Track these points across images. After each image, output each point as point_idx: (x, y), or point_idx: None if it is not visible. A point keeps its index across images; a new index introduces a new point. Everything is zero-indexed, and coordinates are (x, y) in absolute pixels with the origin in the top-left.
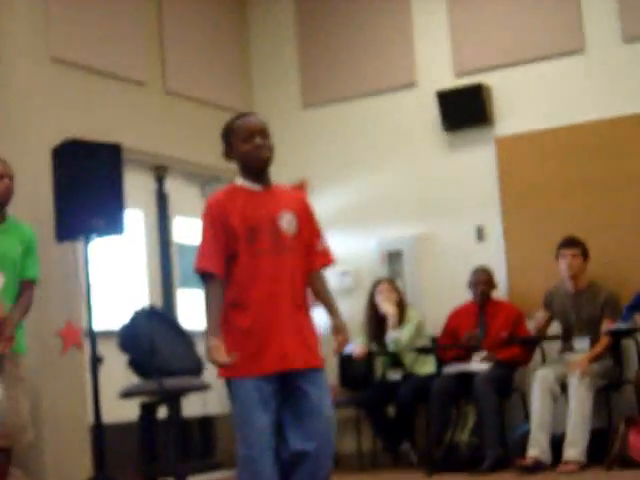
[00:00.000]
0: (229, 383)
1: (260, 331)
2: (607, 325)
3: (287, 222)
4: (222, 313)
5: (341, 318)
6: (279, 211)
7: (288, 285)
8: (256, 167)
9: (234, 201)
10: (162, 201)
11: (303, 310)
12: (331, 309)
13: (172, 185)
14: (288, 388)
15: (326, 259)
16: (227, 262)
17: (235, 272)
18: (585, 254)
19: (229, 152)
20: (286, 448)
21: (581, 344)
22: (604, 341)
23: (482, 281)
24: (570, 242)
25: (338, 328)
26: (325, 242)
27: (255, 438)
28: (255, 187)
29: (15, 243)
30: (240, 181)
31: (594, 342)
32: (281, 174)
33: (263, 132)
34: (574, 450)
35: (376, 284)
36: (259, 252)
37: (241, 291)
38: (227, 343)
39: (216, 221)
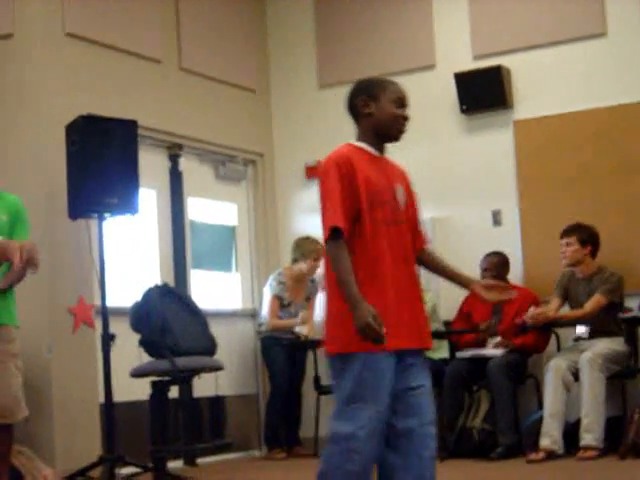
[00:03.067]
0: (341, 357)
1: (389, 305)
2: (595, 299)
3: (401, 194)
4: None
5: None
6: (396, 182)
7: (407, 257)
8: (392, 135)
9: (360, 161)
10: (176, 180)
11: (418, 286)
12: (460, 274)
13: (186, 164)
14: (400, 364)
15: (426, 240)
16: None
17: (357, 240)
18: (584, 240)
19: (364, 107)
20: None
21: (580, 330)
22: (587, 308)
23: (493, 266)
24: (565, 230)
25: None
26: (421, 223)
27: (368, 419)
28: (376, 153)
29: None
30: (360, 143)
31: (595, 332)
32: (297, 155)
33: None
34: (591, 436)
35: None
36: (380, 220)
37: (367, 261)
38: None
39: (344, 177)
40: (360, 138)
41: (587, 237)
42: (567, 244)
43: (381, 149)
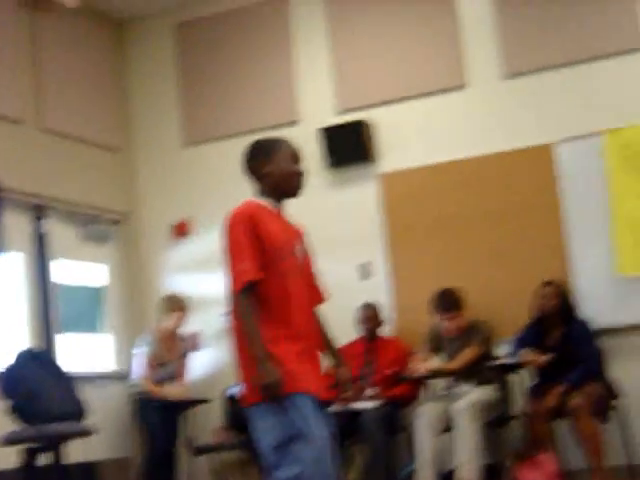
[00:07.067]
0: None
1: (300, 355)
2: (471, 350)
3: (298, 250)
4: (265, 333)
5: (344, 364)
6: (294, 238)
7: (310, 309)
8: (289, 191)
9: (263, 216)
10: (41, 242)
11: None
12: (332, 351)
13: (50, 226)
14: None
15: (324, 295)
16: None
17: (266, 291)
18: (460, 306)
19: (261, 166)
20: None
21: (466, 387)
22: (463, 360)
23: (369, 317)
24: (444, 306)
25: (342, 376)
26: (320, 278)
27: (320, 445)
28: (275, 210)
29: None
30: (261, 200)
31: (480, 383)
32: (162, 214)
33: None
34: None
35: None
36: (285, 272)
37: (278, 313)
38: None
39: (249, 231)
40: (262, 194)
41: (461, 302)
42: (452, 318)
43: (280, 206)
